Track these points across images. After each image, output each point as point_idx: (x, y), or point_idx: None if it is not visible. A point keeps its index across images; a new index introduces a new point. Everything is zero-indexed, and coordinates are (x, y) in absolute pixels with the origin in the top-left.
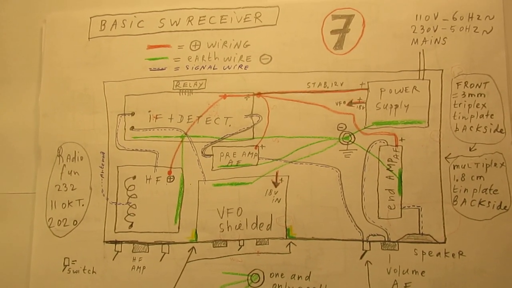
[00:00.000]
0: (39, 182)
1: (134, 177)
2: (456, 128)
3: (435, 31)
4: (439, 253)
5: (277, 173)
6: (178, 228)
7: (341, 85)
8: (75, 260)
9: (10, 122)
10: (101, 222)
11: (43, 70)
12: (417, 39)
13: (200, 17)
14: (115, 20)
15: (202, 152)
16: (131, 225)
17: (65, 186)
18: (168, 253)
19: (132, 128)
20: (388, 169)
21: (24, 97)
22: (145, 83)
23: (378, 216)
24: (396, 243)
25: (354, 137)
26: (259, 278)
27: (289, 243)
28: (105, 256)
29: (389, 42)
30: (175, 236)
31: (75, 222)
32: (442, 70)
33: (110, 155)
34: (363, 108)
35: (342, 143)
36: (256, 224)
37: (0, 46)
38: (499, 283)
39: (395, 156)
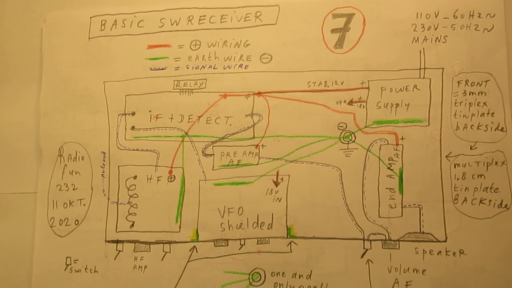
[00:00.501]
0: (40, 182)
1: (135, 177)
2: (457, 126)
3: (435, 29)
4: (440, 252)
5: (277, 173)
6: (179, 227)
7: (342, 84)
8: (77, 260)
9: (11, 122)
10: (102, 221)
11: (44, 69)
12: (417, 38)
13: (200, 17)
14: (115, 20)
15: (202, 152)
16: (133, 225)
17: (66, 186)
18: (170, 252)
19: (133, 128)
20: (388, 168)
21: (25, 97)
22: (146, 83)
23: (379, 215)
24: (397, 242)
25: (355, 136)
26: (260, 277)
27: (290, 242)
28: (107, 255)
29: (390, 41)
30: (176, 236)
31: (76, 222)
32: (443, 68)
33: (111, 155)
34: (363, 107)
35: (342, 142)
36: (257, 224)
37: (0, 46)
38: (500, 282)
39: (396, 155)
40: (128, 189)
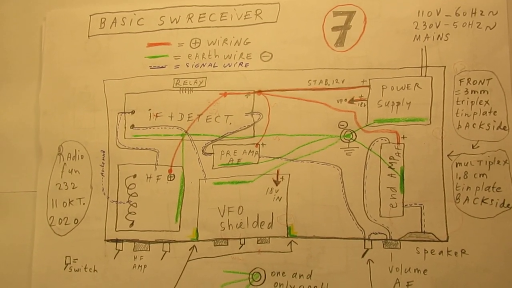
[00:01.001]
0: (40, 181)
1: (135, 176)
2: (459, 125)
3: (437, 27)
4: (442, 252)
5: (278, 172)
6: (179, 226)
7: (342, 82)
8: (76, 259)
9: (11, 120)
10: (102, 220)
11: (43, 68)
12: (419, 36)
13: (200, 15)
14: (115, 18)
15: (202, 151)
16: (132, 224)
17: (66, 185)
18: (169, 251)
19: (133, 126)
20: (390, 167)
21: (24, 95)
22: (145, 81)
23: (379, 215)
24: (398, 242)
25: (356, 135)
26: (260, 276)
27: (290, 242)
28: (106, 254)
29: (391, 39)
30: (176, 235)
31: (76, 221)
32: (445, 66)
33: (110, 154)
34: (364, 105)
35: (343, 141)
36: (257, 223)
37: (0, 45)
38: (502, 281)
39: (397, 154)
40: (128, 188)
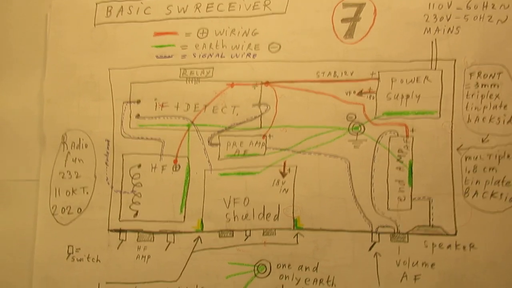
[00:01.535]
0: (43, 169)
1: (139, 166)
2: (469, 119)
3: (448, 20)
4: (450, 246)
5: (284, 163)
6: (184, 217)
7: (351, 74)
8: (79, 248)
9: (14, 108)
10: (105, 210)
11: (48, 56)
12: (429, 28)
13: (208, 4)
14: (122, 6)
15: (208, 141)
16: (136, 214)
17: (69, 174)
18: (174, 242)
19: (138, 116)
20: (398, 160)
21: (29, 83)
22: (151, 71)
23: (387, 208)
24: (406, 235)
25: (364, 128)
26: (266, 269)
27: (297, 234)
28: (110, 244)
29: (401, 31)
30: (181, 226)
31: (79, 210)
32: (455, 60)
33: (115, 143)
34: (373, 98)
35: (351, 134)
36: (263, 215)
37: (5, 32)
38: (511, 276)
39: (406, 147)
40: (132, 177)
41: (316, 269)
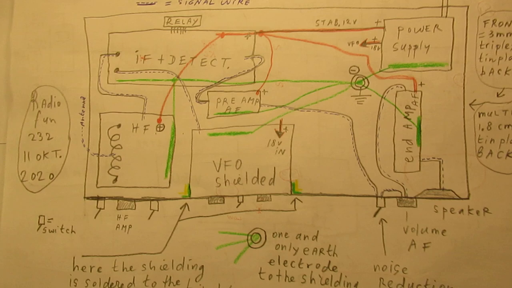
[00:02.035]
0: (10, 131)
1: (119, 126)
2: (482, 71)
3: None
4: (462, 210)
5: (281, 122)
6: (169, 182)
7: (354, 23)
8: (52, 218)
9: None
10: (81, 175)
11: (15, 3)
12: None
13: None
14: None
15: (196, 98)
16: (116, 179)
17: (40, 135)
18: (158, 210)
19: (117, 70)
20: (405, 117)
21: None
22: (132, 20)
23: (394, 170)
24: (414, 200)
25: (368, 82)
26: (261, 238)
27: (294, 200)
28: (86, 213)
29: None
30: (166, 192)
31: (51, 176)
32: (468, 6)
33: (91, 101)
34: (378, 49)
35: (354, 88)
36: (257, 179)
37: None
38: None
39: (414, 103)
40: (111, 139)
41: (316, 238)
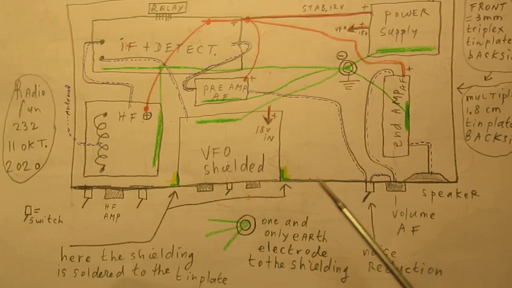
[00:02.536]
0: None
1: (105, 114)
2: (470, 55)
3: None
4: (450, 194)
5: (269, 108)
6: (157, 171)
7: (341, 8)
8: (38, 209)
9: None
10: (67, 165)
11: None
12: None
13: None
14: None
15: (183, 85)
16: (103, 168)
17: (24, 125)
18: (146, 199)
19: (102, 58)
20: (394, 101)
21: None
22: (116, 6)
23: (382, 154)
24: (403, 184)
25: (356, 67)
26: (250, 225)
27: (283, 186)
28: (73, 203)
29: None
30: (154, 180)
31: (37, 166)
32: None
33: (76, 89)
34: (366, 34)
35: (342, 74)
36: (246, 165)
37: None
38: None
39: (402, 87)
40: (97, 128)
41: (306, 223)
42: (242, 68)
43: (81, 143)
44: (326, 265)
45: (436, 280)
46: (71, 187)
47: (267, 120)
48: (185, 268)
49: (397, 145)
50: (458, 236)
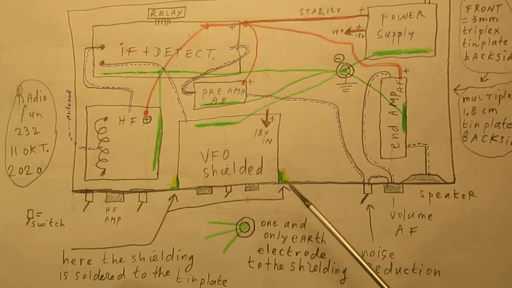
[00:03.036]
0: None
1: (106, 119)
2: (466, 56)
3: None
4: (448, 195)
5: (267, 111)
6: (157, 174)
7: (338, 11)
8: (40, 212)
9: None
10: (69, 169)
11: None
12: None
13: None
14: None
15: (182, 89)
16: (104, 172)
17: (26, 130)
18: (146, 202)
19: (102, 63)
20: (391, 103)
21: None
22: (116, 12)
23: (380, 156)
24: (401, 185)
25: (353, 69)
26: (249, 227)
27: (282, 188)
28: (74, 207)
29: None
30: (154, 183)
31: (39, 170)
32: None
33: (77, 94)
34: (362, 36)
35: (339, 76)
36: (245, 168)
37: None
38: None
39: (399, 89)
40: (98, 132)
41: (304, 225)
42: (240, 72)
43: (82, 147)
44: (325, 267)
45: (434, 281)
46: (73, 190)
47: (265, 123)
48: (185, 270)
49: (394, 147)
50: (456, 237)
